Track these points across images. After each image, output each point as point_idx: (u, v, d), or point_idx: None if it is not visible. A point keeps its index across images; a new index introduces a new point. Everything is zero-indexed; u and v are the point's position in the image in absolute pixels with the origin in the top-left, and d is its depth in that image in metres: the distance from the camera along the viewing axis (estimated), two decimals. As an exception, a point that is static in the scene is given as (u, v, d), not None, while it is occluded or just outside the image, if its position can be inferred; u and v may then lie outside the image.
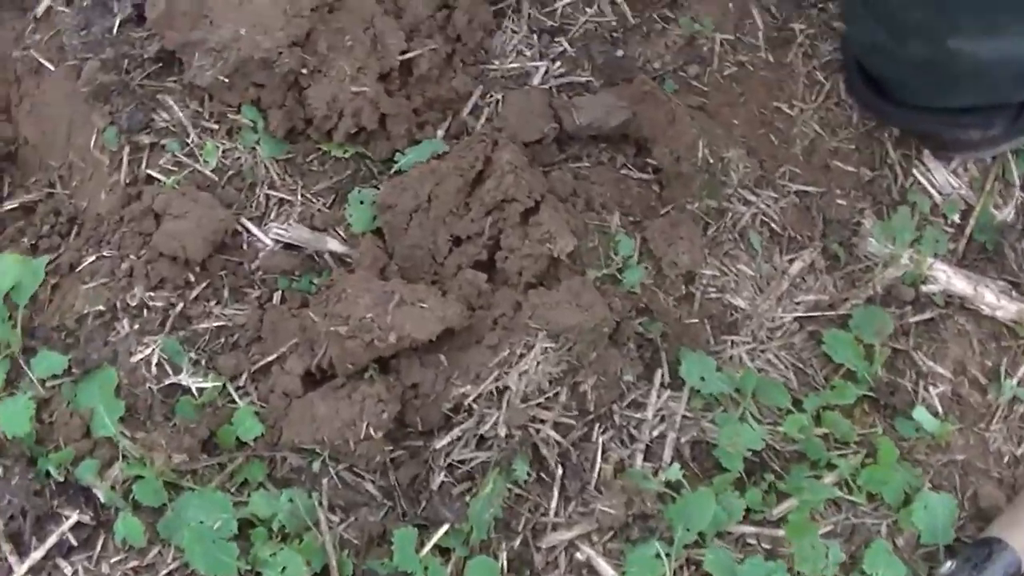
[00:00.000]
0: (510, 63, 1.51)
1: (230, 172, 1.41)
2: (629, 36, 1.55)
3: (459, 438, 1.33)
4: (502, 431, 1.32)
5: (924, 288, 1.49)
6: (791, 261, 1.49)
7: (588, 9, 1.55)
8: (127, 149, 1.38)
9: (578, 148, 1.49)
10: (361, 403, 1.29)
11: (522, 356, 1.33)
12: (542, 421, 1.34)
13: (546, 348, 1.33)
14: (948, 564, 1.36)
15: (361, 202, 1.41)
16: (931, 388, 1.47)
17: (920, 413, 1.43)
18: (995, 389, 1.48)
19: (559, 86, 1.51)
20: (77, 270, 1.36)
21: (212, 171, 1.40)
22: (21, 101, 1.47)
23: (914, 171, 1.56)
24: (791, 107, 1.54)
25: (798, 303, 1.47)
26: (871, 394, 1.44)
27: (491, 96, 1.49)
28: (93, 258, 1.36)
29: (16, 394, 1.30)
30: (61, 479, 1.29)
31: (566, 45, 1.53)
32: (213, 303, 1.36)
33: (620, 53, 1.52)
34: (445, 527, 1.31)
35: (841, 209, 1.51)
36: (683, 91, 1.52)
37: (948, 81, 1.43)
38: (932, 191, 1.55)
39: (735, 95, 1.53)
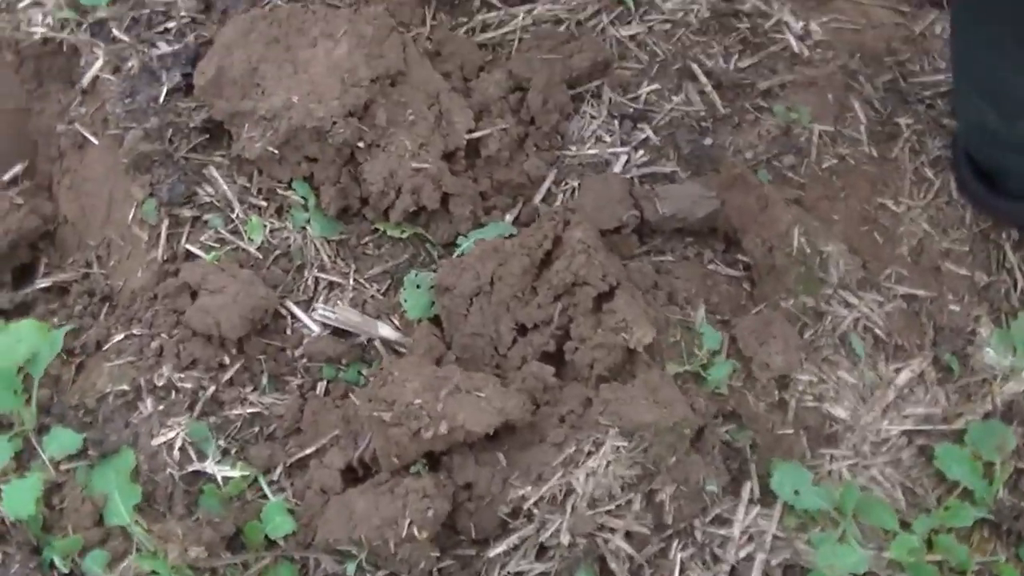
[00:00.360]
0: (588, 149, 1.54)
1: (277, 252, 1.44)
2: (719, 126, 1.57)
3: (517, 547, 1.30)
4: (565, 539, 1.29)
5: (1048, 403, 1.50)
6: (898, 371, 1.47)
7: (674, 97, 1.58)
8: (166, 223, 1.43)
9: (661, 241, 1.51)
10: (404, 498, 1.27)
11: (590, 455, 1.31)
12: (611, 530, 1.30)
13: (618, 447, 1.31)
14: None
15: (418, 286, 1.42)
16: None
17: None
18: None
19: (642, 176, 1.53)
20: (104, 348, 1.39)
21: (257, 249, 1.43)
22: (63, 177, 1.53)
23: None
24: (897, 204, 1.54)
25: (906, 416, 1.44)
26: (991, 518, 1.39)
27: (566, 183, 1.52)
28: (121, 336, 1.39)
29: (26, 475, 1.31)
30: (66, 571, 1.28)
31: (650, 133, 1.56)
32: (249, 389, 1.38)
33: (709, 142, 1.54)
34: (502, 644, 1.32)
35: (954, 316, 1.50)
36: (778, 182, 1.54)
37: None
38: None
39: (835, 189, 1.54)
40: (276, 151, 1.42)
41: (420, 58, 1.49)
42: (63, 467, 1.33)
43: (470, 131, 1.47)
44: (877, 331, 1.49)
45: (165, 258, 1.42)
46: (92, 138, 1.49)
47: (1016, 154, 1.46)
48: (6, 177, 1.53)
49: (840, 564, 1.34)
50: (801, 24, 1.65)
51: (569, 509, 1.30)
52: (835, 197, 1.54)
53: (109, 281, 1.45)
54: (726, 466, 1.39)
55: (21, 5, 1.57)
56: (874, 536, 1.37)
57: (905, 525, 1.38)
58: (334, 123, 1.40)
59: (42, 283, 1.48)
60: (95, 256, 1.47)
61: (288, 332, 1.41)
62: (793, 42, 1.64)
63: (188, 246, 1.43)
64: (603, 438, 1.32)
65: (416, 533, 1.26)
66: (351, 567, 1.29)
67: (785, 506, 1.37)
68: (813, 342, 1.47)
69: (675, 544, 1.34)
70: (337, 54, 1.43)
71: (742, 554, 1.35)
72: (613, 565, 1.31)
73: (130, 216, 1.44)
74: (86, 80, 1.53)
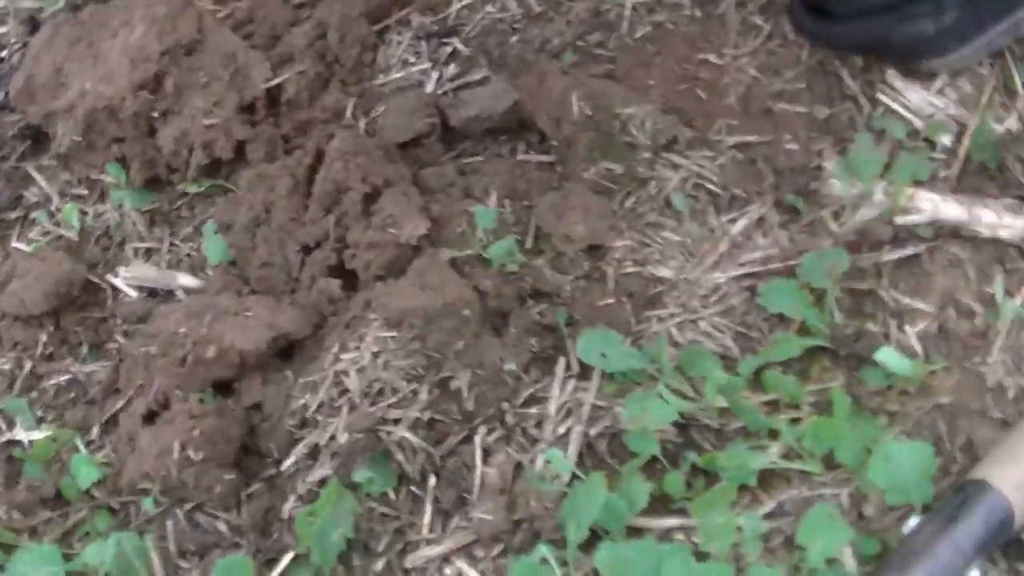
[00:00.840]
0: (395, 74, 1.66)
1: (97, 233, 1.63)
2: (530, 24, 1.66)
3: (306, 456, 1.40)
4: (343, 438, 1.39)
5: (903, 220, 1.47)
6: (733, 221, 1.49)
7: (487, 8, 1.69)
8: (-5, 227, 1.66)
9: (472, 144, 1.60)
10: (173, 423, 1.40)
11: (357, 350, 1.41)
12: (396, 422, 1.40)
13: (383, 337, 1.40)
14: (913, 520, 1.27)
15: (215, 232, 1.57)
16: (907, 327, 1.39)
17: (887, 354, 1.35)
18: (992, 315, 1.38)
19: (455, 89, 1.64)
20: (-56, 351, 1.61)
21: (78, 234, 1.62)
22: None
23: (880, 96, 1.52)
24: (720, 56, 1.57)
25: (741, 264, 1.45)
26: (829, 345, 1.38)
27: (375, 111, 1.63)
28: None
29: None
30: None
31: (459, 45, 1.66)
32: (69, 360, 1.55)
33: (515, 39, 1.64)
34: (289, 555, 1.38)
35: (793, 155, 1.49)
36: (585, 62, 1.60)
37: None
38: (907, 114, 1.50)
39: (649, 55, 1.59)
40: (81, 139, 1.62)
41: (217, 25, 1.66)
42: None
43: (267, 80, 1.62)
44: (710, 186, 1.51)
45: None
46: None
47: None
48: None
49: (646, 418, 1.35)
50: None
51: (346, 408, 1.40)
52: (649, 63, 1.58)
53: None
54: (540, 346, 1.43)
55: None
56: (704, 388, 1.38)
57: (733, 369, 1.39)
58: (123, 99, 1.59)
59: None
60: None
61: (109, 302, 1.59)
62: (607, -79, 1.71)
63: (17, 244, 1.63)
64: (367, 331, 1.41)
65: (192, 455, 1.38)
66: (148, 502, 1.42)
67: (603, 375, 1.40)
68: (635, 208, 1.51)
69: (481, 430, 1.39)
70: (132, 38, 1.63)
71: (561, 430, 1.39)
72: (400, 457, 1.37)
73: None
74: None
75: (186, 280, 1.56)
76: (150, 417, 1.46)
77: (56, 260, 1.56)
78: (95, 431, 1.50)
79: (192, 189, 1.61)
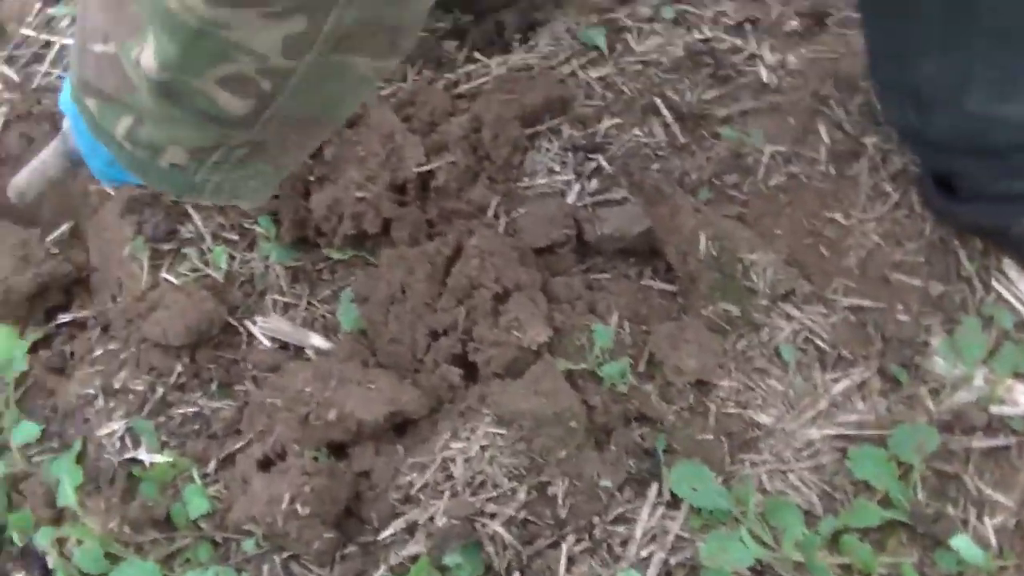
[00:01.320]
0: (539, 179, 1.75)
1: (242, 279, 1.73)
2: (673, 153, 1.75)
3: (404, 530, 1.49)
4: (441, 521, 1.48)
5: (999, 411, 1.54)
6: (836, 380, 1.57)
7: (635, 130, 1.77)
8: (147, 254, 1.75)
9: (602, 261, 1.69)
10: (287, 475, 1.50)
11: (468, 440, 1.51)
12: (492, 516, 1.48)
13: (493, 434, 1.49)
14: None
15: (351, 301, 1.67)
16: (986, 518, 1.46)
17: (962, 542, 1.42)
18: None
19: (594, 204, 1.72)
20: (83, 362, 1.71)
21: (224, 277, 1.72)
22: (94, 230, 1.87)
23: (994, 283, 1.61)
24: (847, 217, 1.65)
25: (838, 423, 1.53)
26: (907, 521, 1.45)
27: (516, 211, 1.72)
28: (100, 351, 1.71)
29: (-3, 466, 1.64)
30: (21, 545, 1.58)
31: (603, 162, 1.75)
32: (198, 394, 1.65)
33: (656, 167, 1.73)
34: (362, 630, 1.48)
35: (904, 326, 1.58)
36: (719, 201, 1.69)
37: (992, 156, 1.54)
38: (1018, 305, 1.59)
39: (780, 204, 1.68)
40: (243, 190, 1.73)
41: (379, 103, 1.77)
42: (34, 459, 1.65)
43: (420, 165, 1.73)
44: (820, 343, 1.59)
45: (148, 287, 1.74)
46: (111, 192, 1.85)
47: (944, 154, 1.57)
48: (55, 235, 1.90)
49: (725, 558, 1.43)
50: (777, 57, 1.82)
51: (447, 494, 1.49)
52: (779, 212, 1.68)
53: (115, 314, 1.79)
54: (637, 467, 1.52)
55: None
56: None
57: (813, 526, 1.47)
58: (285, 160, 1.70)
59: (63, 319, 1.82)
60: (111, 295, 1.81)
61: (243, 346, 1.69)
62: (764, 73, 1.81)
63: (166, 275, 1.74)
64: (478, 424, 1.51)
65: (299, 509, 1.48)
66: (249, 543, 1.53)
67: (691, 508, 1.49)
68: (745, 351, 1.60)
69: (570, 539, 1.48)
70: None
71: (643, 553, 1.48)
72: (490, 549, 1.47)
73: (125, 253, 1.77)
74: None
75: (318, 340, 1.67)
76: (265, 463, 1.56)
77: (200, 298, 1.67)
78: (212, 465, 1.61)
79: (336, 255, 1.72)
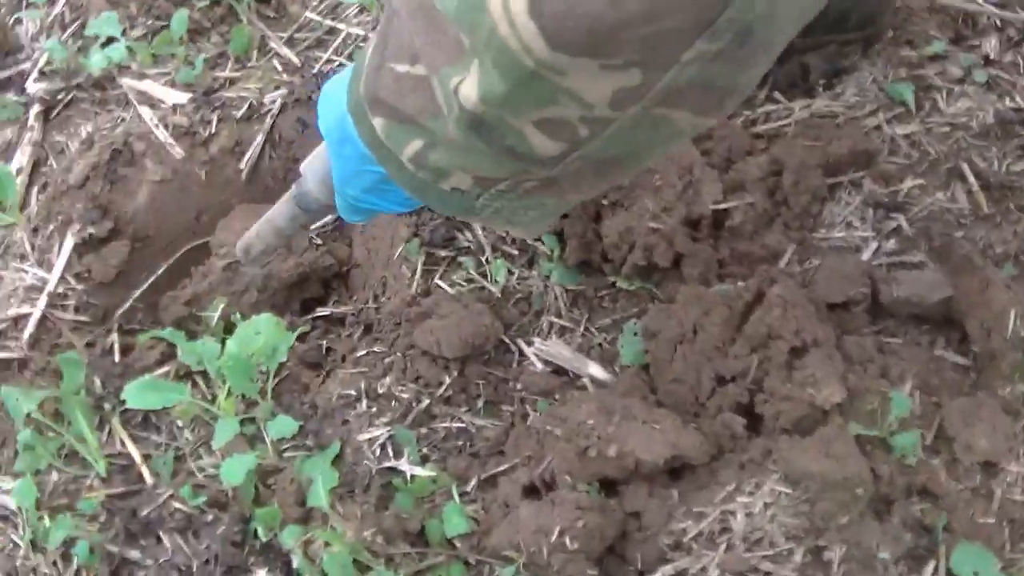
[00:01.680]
0: (837, 232, 1.71)
1: (518, 295, 1.71)
2: (977, 223, 1.70)
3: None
4: (713, 574, 1.44)
5: None
6: None
7: (938, 194, 1.72)
8: (422, 259, 1.73)
9: (894, 324, 1.64)
10: (559, 507, 1.47)
11: (750, 495, 1.47)
12: (766, 575, 1.45)
13: (778, 492, 1.45)
14: None
15: (635, 334, 1.64)
16: None
17: None
18: None
19: (890, 264, 1.68)
20: (346, 361, 1.71)
21: (500, 291, 1.70)
22: (361, 226, 1.88)
23: None
24: None
25: None
26: None
27: (810, 262, 1.68)
28: (363, 352, 1.70)
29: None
30: (265, 540, 1.57)
31: (903, 223, 1.71)
32: (463, 409, 1.63)
33: (960, 234, 1.67)
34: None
35: None
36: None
37: None
38: None
39: None
40: (531, 208, 1.70)
41: (680, 136, 1.73)
42: (286, 454, 1.63)
43: (716, 202, 1.68)
44: None
45: (418, 291, 1.71)
46: (386, 193, 1.84)
47: None
48: (319, 227, 1.89)
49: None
50: (1094, 135, 1.75)
51: (723, 547, 1.45)
52: (1094, 298, 1.61)
53: (379, 315, 1.76)
54: (914, 542, 1.47)
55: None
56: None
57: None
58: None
59: (321, 312, 1.82)
60: (372, 294, 1.79)
61: (513, 365, 1.67)
62: (1079, 151, 1.74)
63: (439, 282, 1.72)
64: (764, 480, 1.45)
65: (568, 543, 1.45)
66: (509, 570, 1.49)
67: (968, 591, 1.44)
68: (1037, 439, 1.53)
69: (841, 609, 1.44)
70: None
71: (916, 634, 1.43)
72: (763, 611, 1.43)
73: (396, 254, 1.75)
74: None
75: (596, 371, 1.63)
76: (531, 490, 1.54)
77: (478, 311, 1.64)
78: (472, 484, 1.58)
79: (623, 285, 1.69)
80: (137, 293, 1.88)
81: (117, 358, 1.79)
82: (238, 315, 1.77)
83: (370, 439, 1.61)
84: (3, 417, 1.73)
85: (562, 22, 0.82)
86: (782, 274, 1.61)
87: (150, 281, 1.89)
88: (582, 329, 1.69)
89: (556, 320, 1.70)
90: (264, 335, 1.66)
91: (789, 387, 1.51)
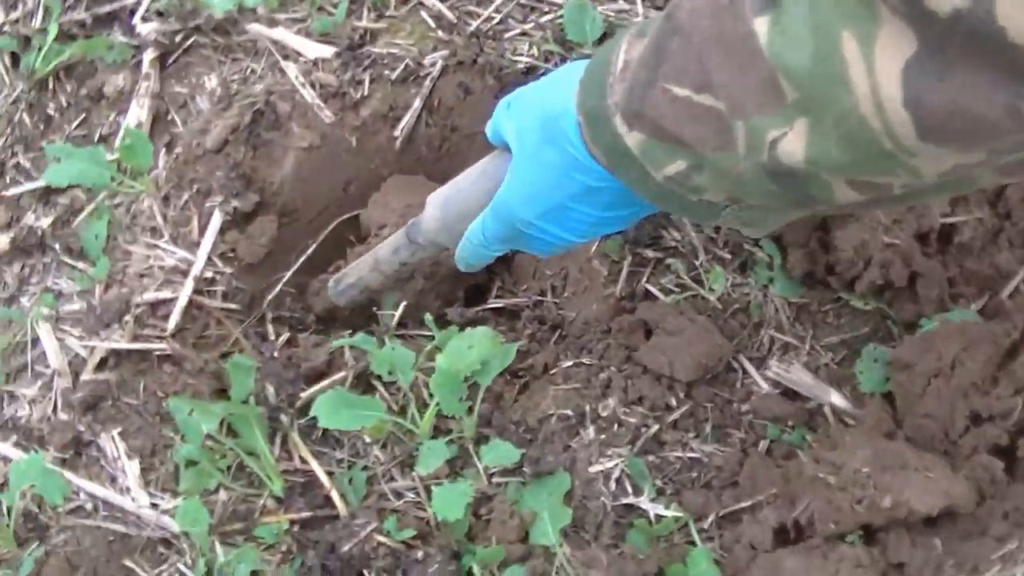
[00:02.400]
0: (1064, 249, 1.65)
1: (735, 305, 1.60)
2: None
3: None
4: (1004, 637, 1.40)
5: None
6: None
7: None
8: (629, 259, 1.61)
9: None
10: (837, 564, 1.38)
11: (1030, 552, 1.42)
12: None
13: (1062, 553, 1.41)
14: None
15: (875, 360, 1.55)
16: None
17: None
18: None
19: None
20: (550, 372, 1.57)
21: (717, 299, 1.59)
22: None
23: None
24: None
25: None
26: None
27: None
28: (570, 363, 1.56)
29: (458, 481, 1.49)
30: None
31: None
32: (691, 435, 1.52)
33: None
34: None
35: None
36: None
37: None
38: None
39: None
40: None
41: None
42: (495, 480, 1.49)
43: (944, 215, 1.58)
44: None
45: (623, 295, 1.58)
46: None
47: None
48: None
49: None
50: None
51: (1007, 607, 1.38)
52: None
53: (561, 311, 1.62)
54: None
55: (508, 35, 1.79)
56: None
57: None
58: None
59: (494, 303, 1.67)
60: (549, 285, 1.65)
61: (737, 385, 1.56)
62: None
63: (648, 286, 1.59)
64: (1043, 539, 1.39)
65: (835, 597, 1.37)
66: (774, 627, 1.40)
67: None
68: None
69: None
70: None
71: None
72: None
73: (592, 249, 1.60)
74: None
75: (838, 400, 1.54)
76: (779, 531, 1.43)
77: (706, 328, 1.53)
78: (710, 520, 1.47)
79: (857, 304, 1.58)
80: (288, 275, 1.70)
81: (276, 353, 1.60)
82: (401, 307, 1.62)
83: (604, 472, 1.49)
84: (146, 417, 1.54)
85: (946, 119, 0.78)
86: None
87: (300, 261, 1.71)
88: (807, 347, 1.59)
89: (778, 335, 1.59)
90: (477, 349, 1.51)
91: (1057, 433, 1.45)
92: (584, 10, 1.72)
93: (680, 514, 1.47)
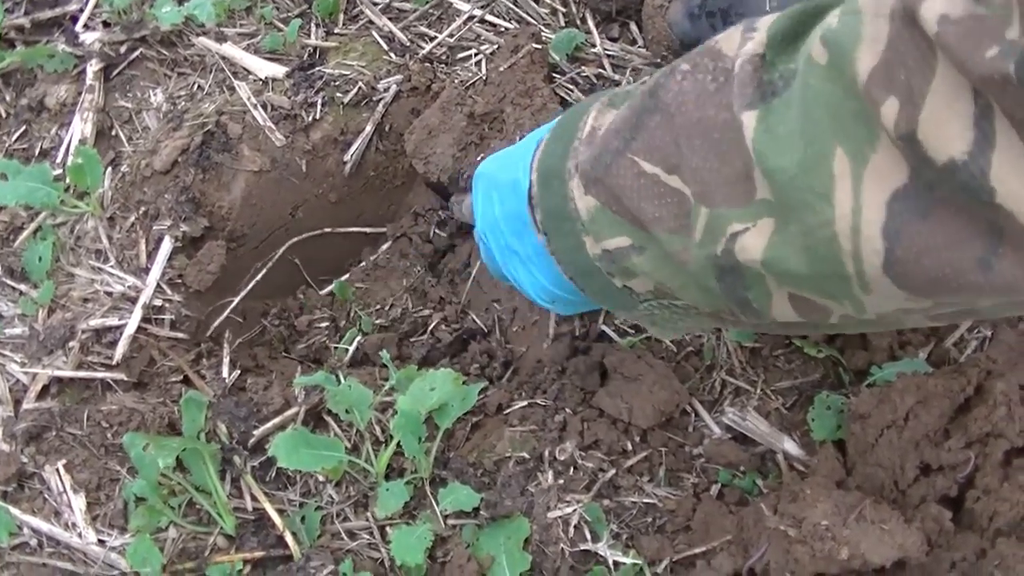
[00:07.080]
0: (1012, 303, 1.72)
1: (689, 348, 1.64)
2: None
3: None
4: None
5: None
6: None
7: None
8: (584, 304, 1.65)
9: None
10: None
11: (986, 609, 1.49)
12: None
13: (1009, 606, 1.48)
14: None
15: (828, 407, 1.61)
16: None
17: None
18: None
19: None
20: (505, 412, 1.60)
21: (672, 343, 1.63)
22: None
23: None
24: None
25: None
26: None
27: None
28: (524, 403, 1.60)
29: (413, 523, 1.52)
30: None
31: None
32: (646, 479, 1.57)
33: None
34: None
35: None
36: None
37: None
38: None
39: None
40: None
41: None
42: (451, 522, 1.53)
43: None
44: None
45: (578, 335, 1.60)
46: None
47: None
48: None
49: None
50: None
51: (962, 659, 1.45)
52: None
53: (510, 346, 1.64)
54: None
55: (462, 59, 1.79)
56: None
57: None
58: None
59: (443, 337, 1.67)
60: (496, 318, 1.66)
61: (690, 429, 1.62)
62: None
63: (603, 327, 1.61)
64: (990, 592, 1.46)
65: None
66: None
67: None
68: None
69: None
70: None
71: None
72: None
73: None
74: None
75: (791, 447, 1.58)
76: (736, 578, 1.49)
77: (665, 374, 1.58)
78: (664, 564, 1.51)
79: (809, 350, 1.63)
80: (235, 301, 1.70)
81: (228, 385, 1.60)
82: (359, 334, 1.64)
83: (562, 517, 1.51)
84: (92, 448, 1.52)
85: (917, 255, 0.80)
86: (1010, 372, 1.58)
87: (249, 287, 1.71)
88: (758, 391, 1.63)
89: (730, 379, 1.64)
90: (439, 391, 1.52)
91: (1007, 488, 1.51)
92: (538, 36, 1.74)
93: (639, 561, 1.51)
